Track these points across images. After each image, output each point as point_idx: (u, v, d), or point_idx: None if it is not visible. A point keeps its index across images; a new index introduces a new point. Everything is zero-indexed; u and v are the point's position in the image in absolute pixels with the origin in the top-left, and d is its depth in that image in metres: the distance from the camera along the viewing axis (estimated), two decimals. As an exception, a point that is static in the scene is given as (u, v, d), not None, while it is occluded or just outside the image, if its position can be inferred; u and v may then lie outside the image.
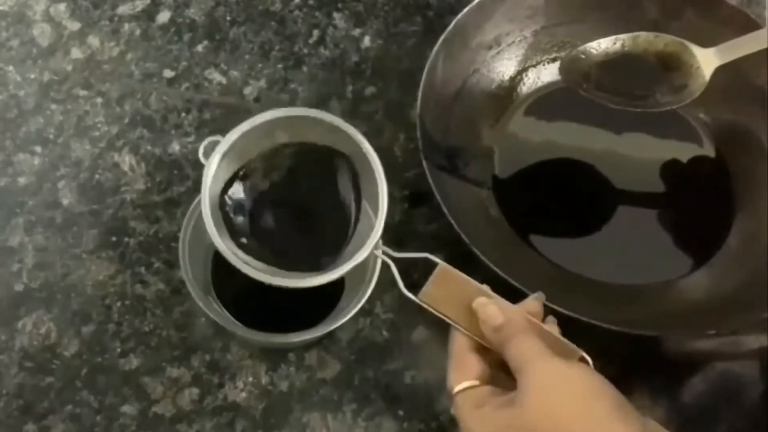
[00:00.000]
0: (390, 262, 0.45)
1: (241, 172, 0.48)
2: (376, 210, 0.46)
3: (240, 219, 0.47)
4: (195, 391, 0.53)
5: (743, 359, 0.56)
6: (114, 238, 0.57)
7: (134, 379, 0.53)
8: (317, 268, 0.45)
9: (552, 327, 0.43)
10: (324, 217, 0.48)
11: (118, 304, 0.55)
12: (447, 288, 0.44)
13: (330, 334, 0.55)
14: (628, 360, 0.55)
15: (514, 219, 0.59)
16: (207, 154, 0.46)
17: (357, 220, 0.48)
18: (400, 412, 0.53)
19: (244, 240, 0.46)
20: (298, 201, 0.48)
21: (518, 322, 0.42)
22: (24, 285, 0.55)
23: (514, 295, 0.48)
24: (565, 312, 0.50)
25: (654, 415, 0.54)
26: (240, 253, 0.44)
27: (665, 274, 0.58)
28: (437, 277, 0.44)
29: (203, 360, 0.54)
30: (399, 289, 0.44)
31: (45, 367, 0.53)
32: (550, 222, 0.59)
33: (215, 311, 0.50)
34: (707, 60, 0.54)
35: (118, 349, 0.54)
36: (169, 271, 0.56)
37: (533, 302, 0.43)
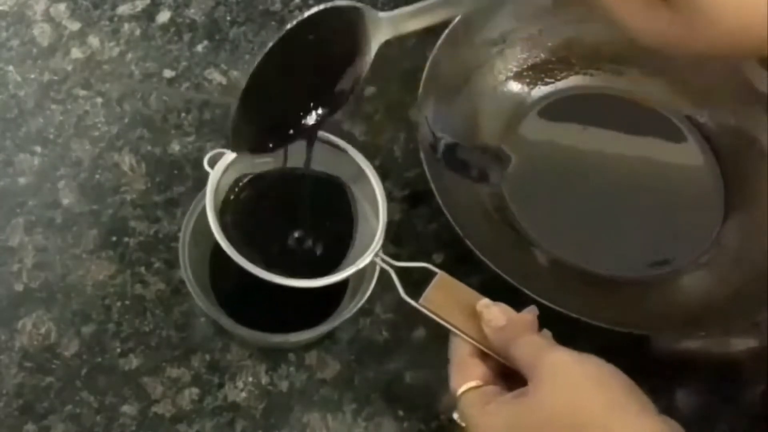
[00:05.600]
0: (390, 270, 0.46)
1: (241, 187, 0.49)
2: (376, 216, 0.47)
3: (241, 229, 0.48)
4: (195, 391, 0.53)
5: (731, 360, 0.57)
6: (114, 238, 0.57)
7: (134, 379, 0.53)
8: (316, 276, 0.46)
9: (547, 337, 0.43)
10: (323, 232, 0.50)
11: (118, 304, 0.55)
12: (447, 294, 0.44)
13: (330, 334, 0.55)
14: (628, 360, 0.54)
15: (517, 219, 0.59)
16: (212, 164, 0.47)
17: (354, 235, 0.50)
18: (400, 412, 0.53)
19: (245, 248, 0.47)
20: (297, 216, 0.50)
21: (521, 323, 0.42)
22: (24, 285, 0.55)
23: (514, 296, 0.48)
24: (565, 312, 0.50)
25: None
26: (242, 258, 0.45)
27: (667, 271, 0.58)
28: (437, 284, 0.45)
29: (203, 360, 0.54)
30: (399, 290, 0.45)
31: (45, 367, 0.53)
32: (553, 222, 0.59)
33: (215, 311, 0.50)
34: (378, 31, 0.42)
35: (118, 349, 0.54)
36: (169, 271, 0.56)
37: (527, 314, 0.43)
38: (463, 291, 0.45)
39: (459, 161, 0.59)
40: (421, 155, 0.55)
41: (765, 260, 0.56)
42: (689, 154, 0.62)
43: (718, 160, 0.62)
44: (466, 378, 0.42)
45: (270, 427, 0.52)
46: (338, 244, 0.49)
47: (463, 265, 0.53)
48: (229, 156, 0.48)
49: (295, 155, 0.48)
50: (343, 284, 0.54)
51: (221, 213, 0.47)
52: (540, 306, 0.47)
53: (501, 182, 0.60)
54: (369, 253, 0.46)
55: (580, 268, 0.58)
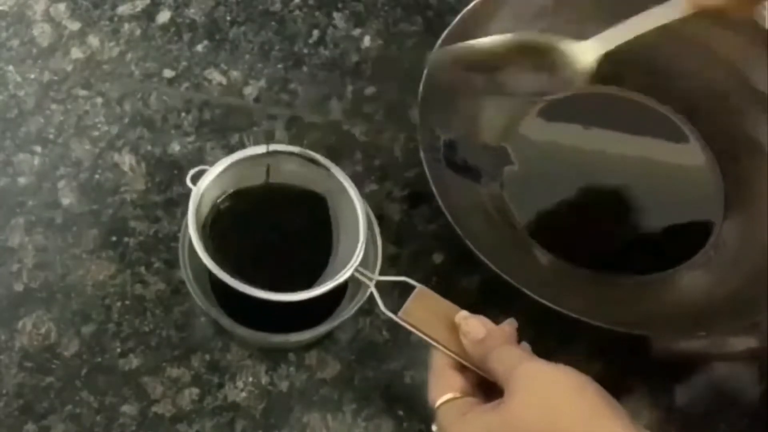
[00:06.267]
0: (371, 285, 0.47)
1: (221, 201, 0.51)
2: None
3: (225, 242, 0.49)
4: (195, 391, 0.53)
5: (730, 360, 0.57)
6: (114, 238, 0.57)
7: (134, 379, 0.53)
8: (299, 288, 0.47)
9: (526, 349, 0.43)
10: (303, 246, 0.51)
11: (118, 304, 0.55)
12: (426, 307, 0.45)
13: (330, 334, 0.55)
14: (628, 360, 0.55)
15: (517, 219, 0.59)
16: (194, 181, 0.48)
17: (337, 247, 0.50)
18: (400, 412, 0.53)
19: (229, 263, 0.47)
20: (278, 230, 0.52)
21: (499, 335, 0.42)
22: (24, 285, 0.55)
23: (514, 296, 0.48)
24: (565, 312, 0.50)
25: (654, 415, 0.54)
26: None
27: (666, 271, 0.58)
28: (416, 297, 0.45)
29: (203, 360, 0.54)
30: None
31: (45, 367, 0.53)
32: (553, 222, 0.59)
33: (215, 311, 0.50)
34: (585, 51, 0.52)
35: (118, 349, 0.54)
36: (169, 271, 0.56)
37: (506, 326, 0.44)
38: (442, 304, 0.45)
39: (459, 161, 0.59)
40: (421, 155, 0.55)
41: (765, 260, 0.56)
42: (690, 154, 0.62)
43: (718, 160, 0.62)
44: (445, 390, 0.42)
45: (270, 427, 0.52)
46: (318, 257, 0.50)
47: (463, 265, 0.53)
48: (213, 172, 0.48)
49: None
50: (342, 285, 0.54)
51: (204, 228, 0.48)
52: (540, 306, 0.48)
53: (501, 182, 0.60)
54: (348, 267, 0.47)
55: (580, 268, 0.58)
